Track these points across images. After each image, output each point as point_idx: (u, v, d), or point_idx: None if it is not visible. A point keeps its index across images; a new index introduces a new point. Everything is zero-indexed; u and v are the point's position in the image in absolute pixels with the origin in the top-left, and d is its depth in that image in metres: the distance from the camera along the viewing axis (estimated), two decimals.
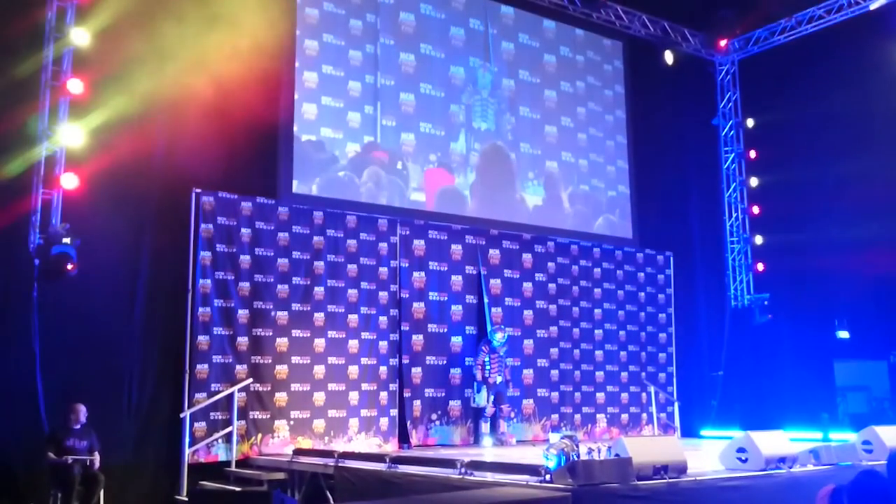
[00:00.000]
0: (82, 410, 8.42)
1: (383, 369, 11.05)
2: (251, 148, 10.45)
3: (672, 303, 14.36)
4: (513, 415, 12.01)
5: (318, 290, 10.72)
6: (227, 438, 9.68)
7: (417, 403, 11.25)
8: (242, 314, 10.09)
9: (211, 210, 10.04)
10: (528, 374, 12.43)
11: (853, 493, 4.08)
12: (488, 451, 10.62)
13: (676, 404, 13.67)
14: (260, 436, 10.00)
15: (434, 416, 11.39)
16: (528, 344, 12.51)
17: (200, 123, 9.87)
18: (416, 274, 11.58)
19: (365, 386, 10.86)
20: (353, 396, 10.75)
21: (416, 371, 11.35)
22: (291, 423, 10.22)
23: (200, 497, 8.67)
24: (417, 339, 11.44)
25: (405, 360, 11.27)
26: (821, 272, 14.29)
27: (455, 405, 11.57)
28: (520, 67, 13.38)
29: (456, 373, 11.67)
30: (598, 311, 13.42)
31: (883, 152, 13.26)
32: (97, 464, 8.30)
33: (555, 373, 12.72)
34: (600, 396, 13.20)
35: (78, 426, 8.38)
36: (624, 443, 6.74)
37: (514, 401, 12.10)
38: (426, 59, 12.44)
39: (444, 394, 11.52)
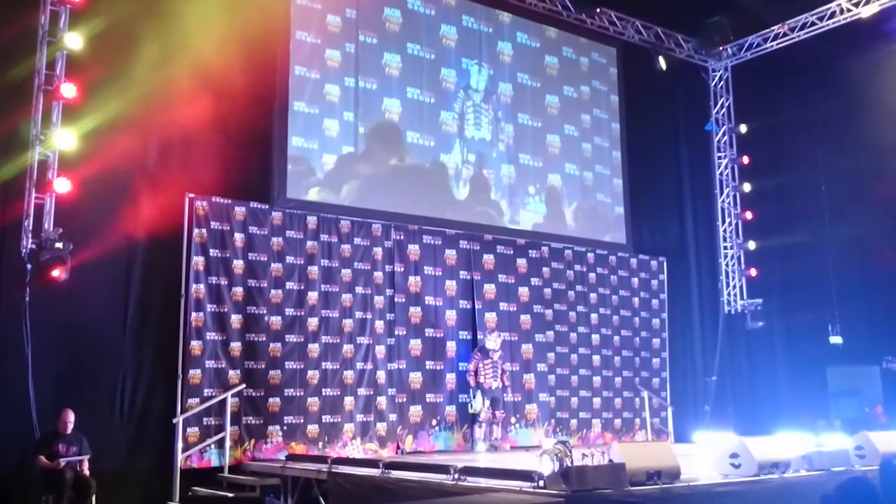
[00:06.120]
0: (71, 416, 8.38)
1: (380, 374, 11.02)
2: (244, 153, 10.42)
3: (666, 308, 14.38)
4: (513, 420, 12.00)
5: (312, 295, 10.69)
6: (220, 444, 9.65)
7: (415, 409, 11.22)
8: (235, 319, 10.07)
9: (204, 215, 10.02)
10: (529, 378, 12.41)
11: (841, 499, 4.08)
12: (482, 456, 10.61)
13: (670, 409, 13.70)
14: (253, 441, 9.96)
15: (434, 422, 11.36)
16: (527, 349, 12.49)
17: (194, 128, 9.86)
18: (411, 279, 11.54)
19: (361, 391, 10.83)
20: (349, 401, 10.72)
21: (415, 376, 11.32)
22: (285, 428, 10.19)
23: (193, 503, 8.65)
24: (415, 344, 11.40)
25: (401, 365, 11.24)
26: (814, 277, 14.35)
27: (451, 410, 11.54)
28: (518, 70, 13.06)
29: (451, 378, 11.65)
30: (594, 316, 13.42)
31: (875, 158, 13.32)
32: (87, 470, 8.27)
33: (552, 377, 12.71)
34: (596, 401, 13.19)
35: (68, 431, 8.34)
36: (617, 448, 6.74)
37: (517, 406, 12.09)
38: (414, 59, 11.89)
39: (441, 399, 11.50)
